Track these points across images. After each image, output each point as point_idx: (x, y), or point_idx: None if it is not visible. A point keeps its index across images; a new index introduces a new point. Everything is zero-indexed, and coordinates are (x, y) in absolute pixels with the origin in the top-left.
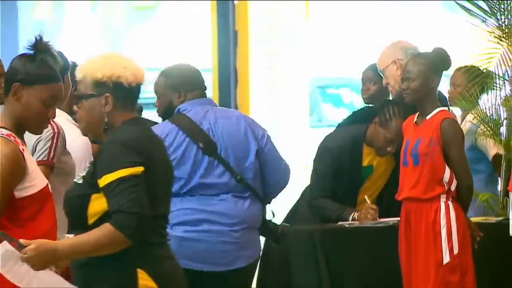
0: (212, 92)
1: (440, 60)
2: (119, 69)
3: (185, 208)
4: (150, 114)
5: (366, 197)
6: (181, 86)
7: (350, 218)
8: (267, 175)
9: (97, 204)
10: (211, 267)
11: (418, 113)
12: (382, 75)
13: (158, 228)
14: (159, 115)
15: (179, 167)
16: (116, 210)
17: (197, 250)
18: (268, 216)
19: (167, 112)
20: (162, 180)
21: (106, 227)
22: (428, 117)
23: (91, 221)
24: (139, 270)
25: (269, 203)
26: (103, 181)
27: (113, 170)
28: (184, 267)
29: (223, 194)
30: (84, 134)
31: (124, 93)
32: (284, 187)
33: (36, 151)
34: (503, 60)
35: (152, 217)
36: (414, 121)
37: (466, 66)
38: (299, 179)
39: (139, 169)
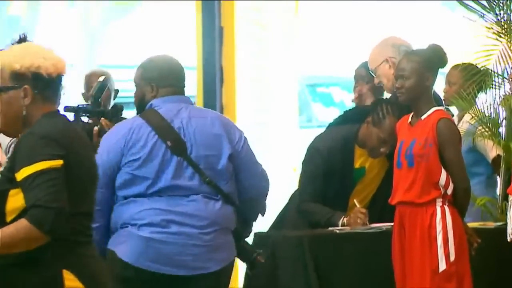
0: (196, 91)
1: (435, 57)
2: (39, 59)
3: (153, 209)
4: (132, 114)
5: (355, 201)
6: (154, 80)
7: (340, 223)
8: (243, 179)
9: (15, 200)
10: (179, 271)
11: (412, 113)
12: (373, 75)
13: (82, 227)
14: (136, 108)
15: (146, 165)
16: (32, 204)
17: (165, 252)
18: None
19: (140, 106)
20: (84, 176)
21: (22, 222)
22: (423, 117)
23: (9, 218)
24: (65, 271)
25: (252, 213)
26: (21, 174)
27: (31, 162)
28: (151, 270)
29: (193, 195)
30: (1, 129)
31: (44, 84)
32: (263, 193)
33: None
34: (502, 57)
35: (74, 214)
36: (408, 121)
37: (463, 63)
38: (288, 182)
39: (59, 162)
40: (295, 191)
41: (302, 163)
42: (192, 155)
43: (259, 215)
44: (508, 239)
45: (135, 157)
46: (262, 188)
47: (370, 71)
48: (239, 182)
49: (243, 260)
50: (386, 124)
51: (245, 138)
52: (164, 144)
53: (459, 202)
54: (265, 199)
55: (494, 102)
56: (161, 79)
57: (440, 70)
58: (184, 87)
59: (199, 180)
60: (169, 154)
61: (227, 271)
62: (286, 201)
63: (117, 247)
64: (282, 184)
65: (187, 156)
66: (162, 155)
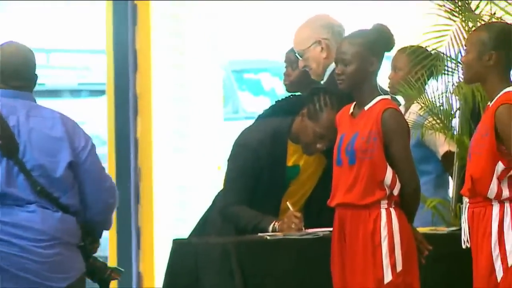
0: (106, 79)
1: (381, 39)
2: None
3: None
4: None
5: (289, 203)
6: None
7: (271, 228)
8: (87, 193)
9: None
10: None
11: (354, 102)
12: (299, 57)
13: None
14: None
15: None
16: None
17: None
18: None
19: None
20: None
21: None
22: (366, 107)
23: None
24: None
25: (98, 229)
26: None
27: None
28: None
29: (29, 204)
30: None
31: None
32: (109, 209)
33: None
34: (455, 39)
35: None
36: (350, 112)
37: (412, 46)
38: (211, 182)
39: None
40: (220, 191)
41: (228, 161)
42: (25, 159)
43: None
44: (463, 246)
45: None
46: (109, 206)
47: (296, 54)
48: (83, 195)
49: (94, 280)
50: (323, 117)
51: (93, 146)
52: None
53: (407, 204)
54: (111, 215)
55: (446, 91)
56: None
57: (385, 54)
58: (30, 81)
59: (31, 188)
60: None
61: None
62: (209, 203)
63: None
64: (205, 185)
65: (18, 160)
66: None
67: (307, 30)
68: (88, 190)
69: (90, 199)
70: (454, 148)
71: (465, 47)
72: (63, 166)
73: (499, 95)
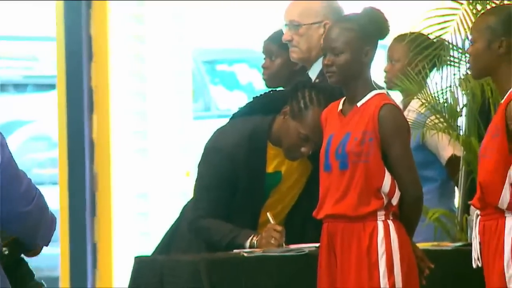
0: (57, 70)
1: (373, 26)
2: None
3: None
4: None
5: (269, 214)
6: None
7: (248, 243)
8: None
9: None
10: None
11: (344, 98)
12: (288, 28)
13: None
14: None
15: None
16: None
17: None
18: None
19: None
20: None
21: None
22: (359, 104)
23: None
24: None
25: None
26: None
27: None
28: None
29: None
30: None
31: None
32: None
33: None
34: (462, 25)
35: None
36: (339, 109)
37: (412, 33)
38: (179, 190)
39: None
40: (189, 202)
41: (198, 167)
42: None
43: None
44: (474, 265)
45: None
46: (26, 215)
47: (285, 24)
48: None
49: None
50: (308, 116)
51: (5, 145)
52: None
53: (407, 216)
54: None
55: (451, 85)
56: None
57: (379, 42)
58: None
59: None
60: None
61: None
62: (177, 214)
63: None
64: (171, 193)
65: None
66: None
67: (316, 4)
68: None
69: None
70: (459, 152)
71: (470, 36)
72: None
73: (511, 89)
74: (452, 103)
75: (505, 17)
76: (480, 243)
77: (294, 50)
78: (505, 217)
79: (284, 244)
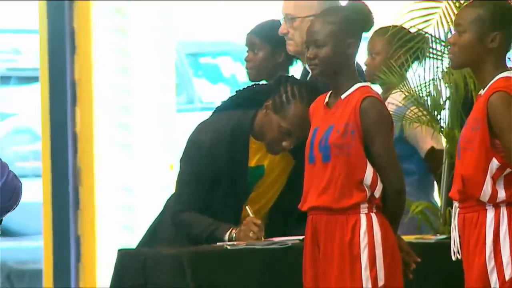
0: (39, 63)
1: (357, 18)
2: None
3: None
4: None
5: (248, 207)
6: None
7: (227, 236)
8: None
9: None
10: None
11: (330, 91)
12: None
13: None
14: None
15: None
16: None
17: None
18: None
19: None
20: None
21: None
22: (343, 96)
23: None
24: None
25: None
26: None
27: None
28: None
29: None
30: None
31: None
32: None
33: None
34: (445, 18)
35: None
36: (325, 102)
37: (394, 26)
38: (163, 183)
39: None
40: (172, 196)
41: (180, 161)
42: None
43: None
44: (453, 258)
45: None
46: None
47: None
48: None
49: None
50: (290, 110)
51: None
52: None
53: (391, 209)
54: None
55: (435, 77)
56: None
57: (363, 35)
58: None
59: None
60: None
61: None
62: (160, 208)
63: None
64: (155, 186)
65: None
66: None
67: None
68: None
69: None
70: (438, 144)
71: (455, 26)
72: None
73: (492, 81)
74: (435, 95)
75: (498, 10)
76: (459, 236)
77: (289, 43)
78: (486, 209)
79: (263, 238)
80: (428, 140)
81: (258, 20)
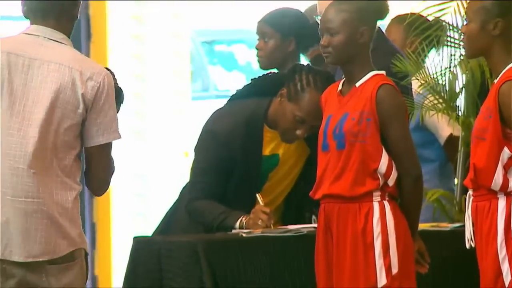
0: None
1: (371, 6)
2: None
3: None
4: None
5: (258, 195)
6: None
7: (237, 224)
8: None
9: None
10: None
11: (344, 79)
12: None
13: None
14: None
15: None
16: None
17: None
18: None
19: None
20: None
21: None
22: (358, 84)
23: None
24: None
25: None
26: None
27: None
28: None
29: None
30: None
31: None
32: None
33: None
34: (463, 6)
35: None
36: (338, 90)
37: (412, 14)
38: (178, 171)
39: None
40: (187, 183)
41: (195, 150)
42: None
43: None
44: (467, 246)
45: None
46: None
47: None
48: None
49: None
50: (305, 99)
51: None
52: None
53: (408, 196)
54: None
55: (450, 65)
56: None
57: (379, 23)
58: None
59: None
60: None
61: None
62: (175, 195)
63: None
64: (171, 175)
65: None
66: None
67: None
68: None
69: None
70: (458, 132)
71: (465, 16)
72: None
73: (504, 70)
74: (451, 83)
75: None
76: (473, 224)
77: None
78: (498, 198)
79: (271, 226)
80: (445, 127)
81: (273, 8)
